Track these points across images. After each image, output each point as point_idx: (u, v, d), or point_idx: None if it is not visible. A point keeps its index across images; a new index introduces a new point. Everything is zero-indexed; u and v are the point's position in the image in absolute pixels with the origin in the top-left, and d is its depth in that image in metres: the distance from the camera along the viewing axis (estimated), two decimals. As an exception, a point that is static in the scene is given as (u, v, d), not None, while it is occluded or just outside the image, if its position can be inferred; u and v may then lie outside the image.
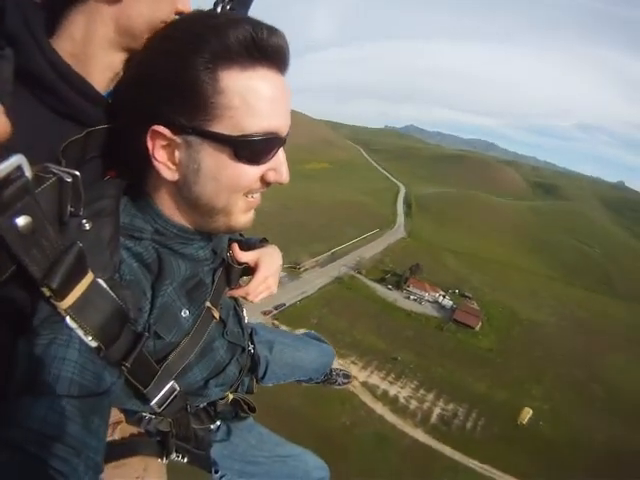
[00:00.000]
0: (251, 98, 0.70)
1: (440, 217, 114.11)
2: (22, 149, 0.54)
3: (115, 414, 1.09)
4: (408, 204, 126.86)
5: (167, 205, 0.81)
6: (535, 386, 51.99)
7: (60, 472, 0.50)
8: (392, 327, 62.89)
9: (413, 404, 50.12)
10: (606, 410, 49.46)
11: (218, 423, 1.21)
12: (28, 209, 0.49)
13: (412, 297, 71.02)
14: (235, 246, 1.11)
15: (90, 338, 0.63)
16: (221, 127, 0.69)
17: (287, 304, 61.60)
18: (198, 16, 0.76)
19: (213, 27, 0.68)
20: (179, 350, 0.86)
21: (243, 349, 1.18)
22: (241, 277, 1.14)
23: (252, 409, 1.25)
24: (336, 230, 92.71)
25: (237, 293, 1.12)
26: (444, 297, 71.64)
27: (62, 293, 0.58)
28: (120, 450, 1.02)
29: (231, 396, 1.17)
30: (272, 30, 0.69)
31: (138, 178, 0.82)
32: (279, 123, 0.74)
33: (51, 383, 0.56)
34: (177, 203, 0.81)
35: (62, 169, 0.58)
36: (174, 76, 0.68)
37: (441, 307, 69.53)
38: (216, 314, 0.96)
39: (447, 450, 43.31)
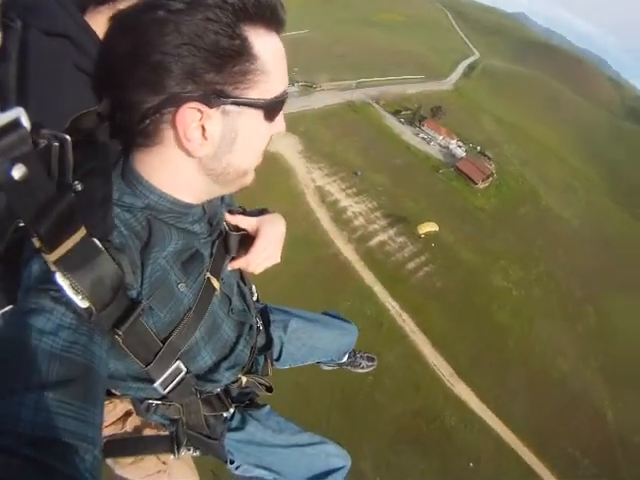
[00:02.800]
0: (277, 61, 0.71)
1: (500, 88, 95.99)
2: (68, 112, 0.62)
3: (124, 406, 1.12)
4: (472, 67, 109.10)
5: (167, 181, 0.77)
6: (512, 267, 41.30)
7: (59, 470, 0.48)
8: (382, 153, 52.83)
9: (359, 221, 41.67)
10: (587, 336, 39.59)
11: (232, 411, 1.15)
12: (24, 159, 0.48)
13: (422, 135, 60.00)
14: (233, 213, 1.07)
15: (80, 297, 0.59)
16: (258, 92, 0.70)
17: (285, 112, 56.51)
18: None
19: None
20: (182, 326, 0.82)
21: (251, 327, 1.13)
22: (241, 247, 1.05)
23: (269, 389, 1.21)
24: (376, 66, 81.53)
25: (237, 264, 1.05)
26: (458, 146, 59.41)
27: (51, 242, 0.54)
28: (133, 448, 1.08)
29: (244, 379, 1.12)
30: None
31: (127, 153, 0.78)
32: (286, 83, 0.76)
33: (32, 367, 0.52)
34: (189, 177, 0.77)
35: (52, 133, 0.56)
36: (223, 45, 0.64)
37: (450, 154, 57.66)
38: (216, 285, 0.91)
39: (369, 277, 35.49)
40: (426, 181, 48.76)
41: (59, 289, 0.58)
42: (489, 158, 59.92)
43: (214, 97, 0.66)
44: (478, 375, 30.05)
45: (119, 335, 0.67)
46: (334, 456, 1.47)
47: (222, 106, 0.68)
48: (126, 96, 0.67)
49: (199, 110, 0.66)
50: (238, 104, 0.68)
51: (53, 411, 0.50)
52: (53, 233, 0.54)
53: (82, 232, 0.58)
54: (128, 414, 1.12)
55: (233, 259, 1.04)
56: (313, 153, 52.78)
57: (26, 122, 0.48)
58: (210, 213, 0.92)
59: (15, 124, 0.47)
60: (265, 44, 0.68)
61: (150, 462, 1.13)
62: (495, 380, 30.26)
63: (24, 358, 0.52)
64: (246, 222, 1.07)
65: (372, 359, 2.33)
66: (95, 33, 0.74)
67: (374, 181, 47.28)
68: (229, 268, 1.03)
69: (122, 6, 0.74)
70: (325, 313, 1.88)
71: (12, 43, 0.60)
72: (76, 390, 0.54)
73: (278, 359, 1.49)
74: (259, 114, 0.72)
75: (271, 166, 50.21)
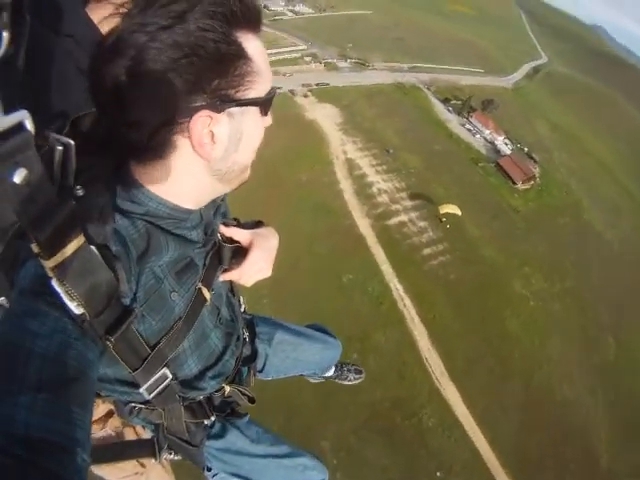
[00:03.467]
0: (264, 61, 0.75)
1: (562, 96, 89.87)
2: (73, 113, 0.64)
3: (106, 407, 1.17)
4: (537, 70, 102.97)
5: (171, 189, 0.78)
6: (536, 276, 38.08)
7: (50, 471, 0.48)
8: (422, 136, 50.85)
9: (382, 199, 40.10)
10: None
11: (213, 419, 1.16)
12: (27, 162, 0.47)
13: (468, 126, 57.52)
14: (227, 224, 1.09)
15: (75, 304, 0.59)
16: (256, 91, 0.73)
17: (331, 84, 61.00)
18: None
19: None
20: (171, 334, 0.84)
21: (238, 337, 1.17)
22: (234, 259, 1.08)
23: (251, 400, 1.22)
24: (434, 53, 79.56)
25: (229, 276, 1.08)
26: (505, 143, 56.41)
27: (50, 249, 0.54)
28: (113, 452, 1.11)
29: (228, 388, 1.14)
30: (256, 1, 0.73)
31: (129, 161, 0.78)
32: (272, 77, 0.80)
33: (26, 370, 0.52)
34: (194, 181, 0.78)
35: (56, 136, 0.56)
36: (223, 51, 0.66)
37: (494, 149, 54.94)
38: (207, 295, 0.94)
39: (379, 254, 33.79)
40: (462, 171, 46.30)
41: (54, 294, 0.58)
42: (535, 161, 56.46)
43: (220, 102, 0.69)
44: (471, 380, 27.81)
45: (110, 341, 0.68)
46: (311, 469, 1.48)
47: (228, 110, 0.71)
48: (131, 116, 0.67)
49: (209, 117, 0.69)
50: (241, 105, 0.72)
51: (46, 413, 0.50)
52: (52, 240, 0.54)
53: (81, 239, 0.58)
54: (109, 415, 1.17)
55: (225, 271, 1.06)
56: (351, 127, 51.92)
57: (30, 125, 0.47)
58: (206, 221, 0.93)
59: (19, 127, 0.46)
60: (255, 46, 0.71)
61: (129, 464, 1.16)
62: (489, 390, 27.82)
63: (18, 360, 0.52)
64: (240, 235, 1.08)
65: (360, 372, 2.39)
66: (101, 34, 0.74)
67: (407, 162, 45.35)
68: (221, 279, 1.05)
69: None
70: (310, 326, 1.88)
71: (22, 41, 0.59)
72: (68, 393, 0.54)
73: (261, 370, 1.51)
74: (257, 111, 0.75)
75: (305, 133, 49.06)
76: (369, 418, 23.60)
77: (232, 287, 1.20)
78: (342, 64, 73.48)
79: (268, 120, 0.82)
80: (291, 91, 61.40)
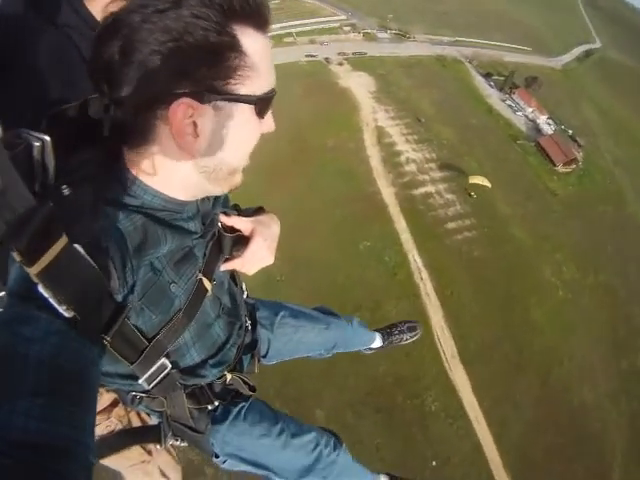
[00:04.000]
0: (265, 59, 0.72)
1: (614, 82, 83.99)
2: (65, 85, 0.67)
3: (110, 396, 1.19)
4: (588, 54, 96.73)
5: (161, 180, 0.77)
6: (568, 265, 35.04)
7: (53, 471, 0.48)
8: (459, 109, 48.40)
9: (410, 168, 38.47)
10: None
11: (216, 404, 1.15)
12: None
13: (509, 102, 54.53)
14: (228, 214, 1.09)
15: (64, 307, 0.58)
16: (248, 88, 0.70)
17: (368, 54, 59.89)
18: None
19: None
20: (171, 326, 0.83)
21: (240, 326, 1.16)
22: (235, 248, 1.08)
23: (252, 388, 1.22)
24: (479, 29, 76.07)
25: (231, 265, 1.07)
26: (547, 123, 53.01)
27: (32, 256, 0.53)
28: (118, 440, 1.11)
29: (229, 376, 1.14)
30: None
31: (116, 153, 0.78)
32: (274, 78, 0.77)
33: (22, 375, 0.52)
34: (182, 175, 0.77)
35: (32, 133, 0.56)
36: (212, 41, 0.65)
37: (535, 128, 51.78)
38: (208, 286, 0.94)
39: (400, 224, 32.12)
40: (498, 147, 43.59)
41: (43, 298, 0.57)
42: (579, 145, 52.83)
43: (206, 93, 0.67)
44: (484, 366, 25.65)
45: (107, 340, 0.68)
46: (323, 446, 1.42)
47: (214, 102, 0.68)
48: (119, 94, 0.67)
49: (190, 106, 0.66)
50: (229, 100, 0.69)
51: (45, 417, 0.49)
52: (32, 247, 0.53)
53: (63, 241, 0.57)
54: (114, 404, 1.19)
55: (227, 260, 1.05)
56: (384, 95, 50.41)
57: None
58: (203, 211, 0.92)
59: None
60: (254, 42, 0.69)
61: (135, 452, 1.17)
62: (501, 380, 25.56)
63: (13, 366, 0.52)
64: (241, 223, 1.08)
65: (414, 328, 2.37)
66: (98, 22, 0.78)
67: (440, 133, 43.23)
68: (223, 269, 1.05)
69: None
70: (316, 308, 1.87)
71: (22, 33, 0.61)
72: (67, 395, 0.54)
73: (265, 356, 1.50)
74: (249, 110, 0.72)
75: (337, 100, 47.48)
76: (369, 393, 22.19)
77: (233, 275, 1.18)
78: (381, 35, 71.97)
79: (268, 125, 0.79)
80: (326, 59, 60.71)
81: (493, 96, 54.95)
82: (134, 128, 0.69)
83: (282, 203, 30.14)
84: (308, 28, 75.44)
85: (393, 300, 26.51)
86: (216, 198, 0.99)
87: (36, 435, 0.47)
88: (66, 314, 0.58)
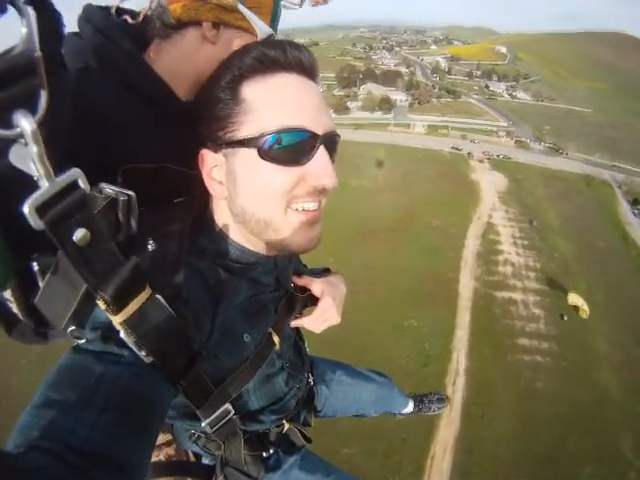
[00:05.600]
0: (270, 98, 0.72)
1: None
2: (130, 151, 0.68)
3: (164, 437, 1.19)
4: None
5: (226, 226, 0.83)
6: None
7: None
8: (588, 229, 43.98)
9: (503, 269, 36.39)
10: None
11: (271, 452, 1.16)
12: (85, 222, 0.48)
13: None
14: (300, 273, 1.13)
15: (144, 354, 0.60)
16: (245, 132, 0.72)
17: (513, 159, 63.06)
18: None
19: (238, 52, 0.76)
20: (238, 374, 0.85)
21: (301, 380, 1.19)
22: (305, 307, 1.12)
23: (308, 440, 1.25)
24: None
25: (301, 322, 1.10)
26: None
27: (117, 305, 0.56)
28: (168, 468, 1.10)
29: (287, 425, 1.15)
30: (291, 45, 0.75)
31: (203, 202, 0.85)
32: (306, 120, 0.72)
33: (95, 392, 0.53)
34: (232, 222, 0.82)
35: (117, 189, 0.58)
36: (207, 99, 0.76)
37: None
38: (277, 340, 0.95)
39: (463, 319, 29.69)
40: (620, 277, 36.93)
41: (124, 345, 0.59)
42: None
43: (213, 144, 0.75)
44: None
45: (181, 385, 0.69)
46: None
47: (222, 150, 0.74)
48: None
49: (210, 157, 0.76)
50: (230, 146, 0.73)
51: (107, 432, 0.50)
52: (118, 297, 0.55)
53: (147, 292, 0.59)
54: (166, 444, 1.20)
55: (296, 317, 1.09)
56: (511, 198, 49.83)
57: (84, 183, 0.47)
58: (281, 267, 0.96)
59: (73, 186, 0.46)
60: (255, 87, 0.72)
61: None
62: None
63: (89, 381, 0.53)
64: (313, 284, 1.10)
65: (442, 399, 2.41)
66: (166, 84, 0.83)
67: (555, 245, 39.84)
68: (293, 325, 1.09)
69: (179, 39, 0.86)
70: (369, 370, 1.93)
71: (62, 93, 0.57)
72: (133, 420, 0.55)
73: (320, 411, 1.53)
74: (252, 152, 0.71)
75: (462, 188, 48.90)
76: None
77: (299, 332, 1.25)
78: (535, 145, 72.43)
79: (314, 174, 0.74)
80: (469, 153, 63.25)
81: (634, 224, 48.72)
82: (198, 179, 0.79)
83: (360, 259, 31.63)
84: (466, 126, 79.27)
85: (409, 389, 23.67)
86: (291, 256, 1.04)
87: (95, 447, 0.48)
88: (145, 359, 0.60)
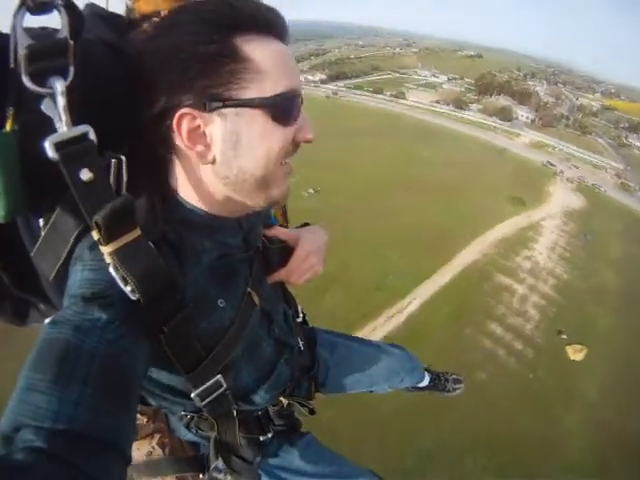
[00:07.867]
0: (275, 61, 0.71)
1: None
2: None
3: (157, 425, 1.20)
4: None
5: (194, 193, 0.78)
6: None
7: (90, 471, 0.48)
8: None
9: (524, 264, 33.97)
10: None
11: (269, 435, 1.11)
12: (90, 165, 0.56)
13: None
14: (272, 226, 1.07)
15: (130, 289, 0.60)
16: (254, 92, 0.69)
17: (606, 192, 57.68)
18: None
19: (225, 3, 0.70)
20: (225, 339, 0.82)
21: (292, 347, 1.11)
22: (281, 260, 1.03)
23: (311, 411, 1.18)
24: None
25: (278, 276, 1.03)
26: None
27: (108, 234, 0.58)
28: (158, 466, 1.11)
29: (285, 401, 1.10)
30: (270, 9, 0.74)
31: (153, 173, 0.81)
32: (298, 83, 0.76)
33: (74, 365, 0.53)
34: (210, 188, 0.77)
35: (112, 154, 0.63)
36: (201, 51, 0.67)
37: None
38: (256, 299, 0.91)
39: (445, 275, 27.45)
40: None
41: (105, 295, 0.60)
42: None
43: (207, 101, 0.67)
44: None
45: (164, 332, 0.67)
46: None
47: (217, 109, 0.68)
48: (137, 116, 0.72)
49: (194, 116, 0.68)
50: (233, 105, 0.68)
51: (92, 407, 0.51)
52: (111, 226, 0.58)
53: (138, 232, 0.62)
54: (158, 432, 1.20)
55: (273, 271, 1.02)
56: (578, 216, 46.19)
57: (93, 136, 0.57)
58: (246, 229, 0.90)
59: (84, 137, 0.56)
60: (256, 47, 0.69)
61: None
62: None
63: (67, 356, 0.53)
64: (286, 233, 1.05)
65: (459, 381, 2.27)
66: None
67: (598, 269, 34.82)
68: (270, 280, 1.02)
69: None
70: (386, 344, 1.84)
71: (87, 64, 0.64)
72: (116, 389, 0.55)
73: (323, 384, 1.42)
74: (263, 114, 0.70)
75: (531, 195, 45.96)
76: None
77: (286, 296, 1.18)
78: None
79: (301, 132, 0.76)
80: (561, 171, 60.61)
81: None
82: (156, 144, 0.73)
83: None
84: (576, 154, 73.70)
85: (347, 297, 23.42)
86: (258, 213, 0.94)
87: (82, 425, 0.48)
88: (131, 295, 0.60)
